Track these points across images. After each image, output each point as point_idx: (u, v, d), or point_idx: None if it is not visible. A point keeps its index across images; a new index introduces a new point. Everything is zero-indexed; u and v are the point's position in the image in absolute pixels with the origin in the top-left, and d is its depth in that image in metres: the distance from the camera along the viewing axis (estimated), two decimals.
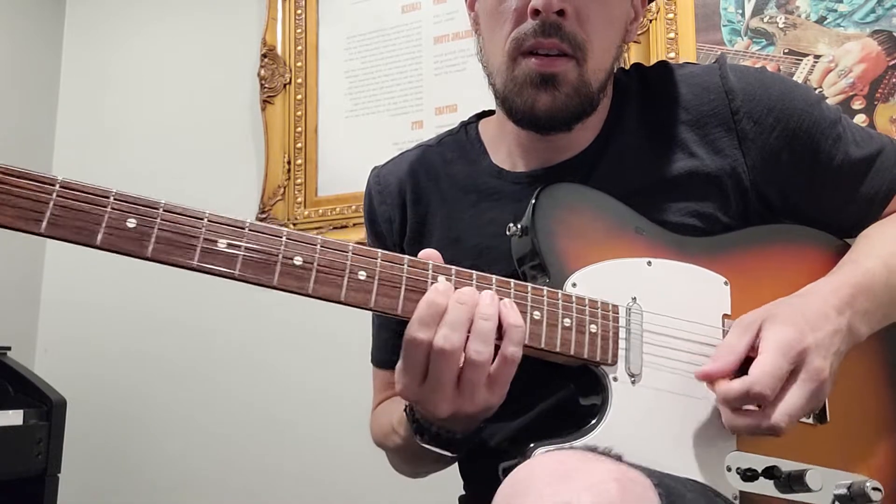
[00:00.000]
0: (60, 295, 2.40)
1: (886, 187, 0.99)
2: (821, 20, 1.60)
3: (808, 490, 0.81)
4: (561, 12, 0.89)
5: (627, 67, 1.07)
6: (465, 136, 1.10)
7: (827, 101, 1.02)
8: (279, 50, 2.16)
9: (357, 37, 2.10)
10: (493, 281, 0.80)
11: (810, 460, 0.85)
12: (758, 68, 1.04)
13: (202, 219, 0.71)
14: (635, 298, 0.86)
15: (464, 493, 1.09)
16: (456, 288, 0.78)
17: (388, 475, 1.13)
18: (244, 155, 2.19)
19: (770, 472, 0.83)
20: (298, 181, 2.10)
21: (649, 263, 0.89)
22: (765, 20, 1.64)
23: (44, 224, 0.67)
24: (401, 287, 0.76)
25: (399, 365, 0.78)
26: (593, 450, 0.71)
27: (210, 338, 2.17)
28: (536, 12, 0.89)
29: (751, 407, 0.79)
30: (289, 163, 2.11)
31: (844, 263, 0.92)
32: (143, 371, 2.24)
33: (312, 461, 1.99)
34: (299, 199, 2.10)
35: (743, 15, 1.66)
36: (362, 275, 0.75)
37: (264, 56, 2.16)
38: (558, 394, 0.93)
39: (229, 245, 0.72)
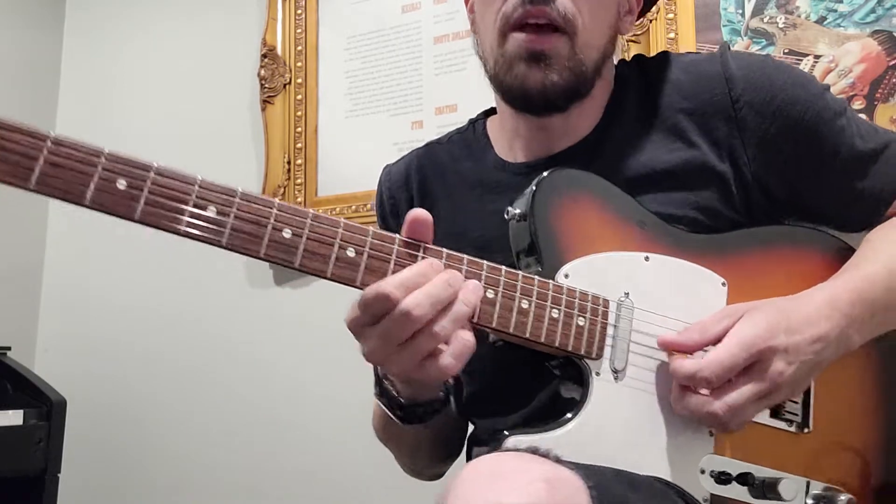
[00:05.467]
0: (60, 295, 2.41)
1: (894, 183, 0.96)
2: (821, 20, 1.59)
3: (781, 499, 0.81)
4: None
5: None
6: (473, 132, 1.11)
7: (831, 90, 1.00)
8: (279, 50, 2.15)
9: (357, 37, 2.10)
10: (484, 267, 0.78)
11: (788, 468, 0.85)
12: (762, 56, 1.02)
13: (193, 184, 0.69)
14: (628, 293, 0.85)
15: None
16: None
17: (389, 474, 1.13)
18: (244, 155, 2.18)
19: (744, 478, 0.83)
20: (298, 181, 2.10)
21: (647, 259, 0.87)
22: (765, 20, 1.64)
23: (33, 180, 0.64)
24: (389, 265, 0.74)
25: (355, 303, 0.74)
26: (534, 451, 0.71)
27: (211, 337, 2.17)
28: None
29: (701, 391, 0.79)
30: (289, 163, 2.11)
31: (846, 269, 0.91)
32: (143, 371, 2.24)
33: (313, 460, 1.98)
34: (299, 200, 2.09)
35: (743, 15, 1.66)
36: (351, 251, 0.73)
37: (264, 56, 2.16)
38: (556, 387, 0.92)
39: (218, 212, 0.69)
